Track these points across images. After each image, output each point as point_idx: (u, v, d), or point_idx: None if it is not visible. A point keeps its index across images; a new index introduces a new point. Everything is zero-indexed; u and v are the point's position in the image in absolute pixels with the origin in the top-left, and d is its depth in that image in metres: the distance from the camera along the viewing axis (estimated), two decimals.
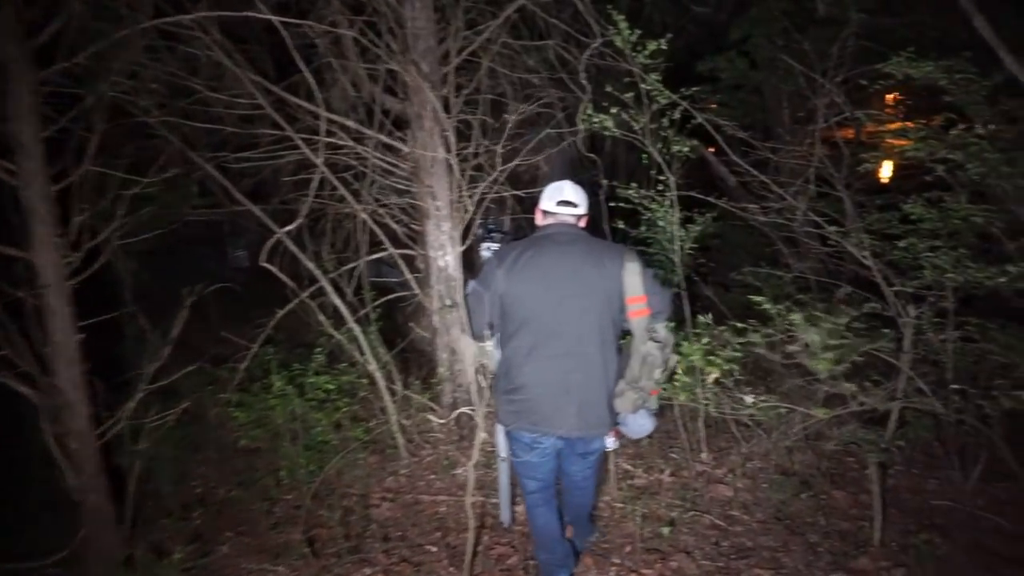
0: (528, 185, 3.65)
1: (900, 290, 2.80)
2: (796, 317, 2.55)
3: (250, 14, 2.63)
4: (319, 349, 3.33)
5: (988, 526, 2.69)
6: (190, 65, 3.15)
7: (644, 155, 3.18)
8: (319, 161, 3.05)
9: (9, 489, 3.11)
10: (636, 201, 3.21)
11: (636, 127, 3.09)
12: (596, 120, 3.17)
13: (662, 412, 2.83)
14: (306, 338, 3.82)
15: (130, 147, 3.11)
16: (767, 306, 2.70)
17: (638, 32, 2.98)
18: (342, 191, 3.24)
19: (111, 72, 2.68)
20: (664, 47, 2.98)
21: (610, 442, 2.23)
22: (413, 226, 3.59)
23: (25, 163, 2.37)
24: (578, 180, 2.27)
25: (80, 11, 2.51)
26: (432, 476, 3.25)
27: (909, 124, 2.92)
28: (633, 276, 2.07)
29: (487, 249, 4.26)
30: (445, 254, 3.40)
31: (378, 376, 3.27)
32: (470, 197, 3.26)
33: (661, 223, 3.18)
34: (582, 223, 2.21)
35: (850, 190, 3.48)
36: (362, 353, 3.29)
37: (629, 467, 3.22)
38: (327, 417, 3.24)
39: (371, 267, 3.81)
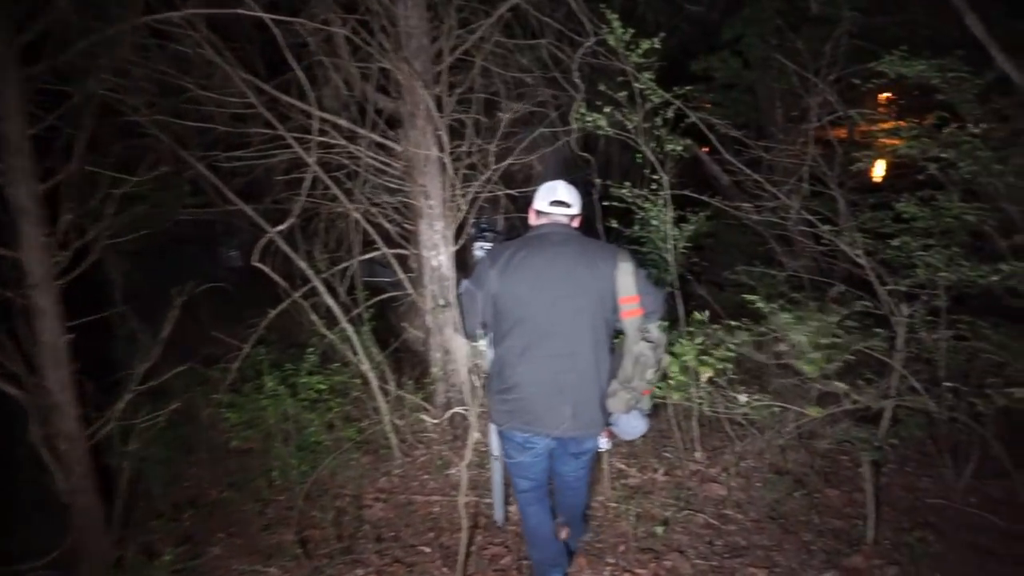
0: (521, 184, 3.65)
1: (893, 288, 2.81)
2: (782, 318, 2.55)
3: (241, 12, 2.62)
4: (312, 349, 3.31)
5: (981, 524, 2.70)
6: (181, 63, 3.12)
7: (638, 154, 3.18)
8: (311, 160, 3.03)
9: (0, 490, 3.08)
10: (630, 200, 3.21)
11: (630, 126, 3.09)
12: (589, 119, 3.17)
13: (656, 411, 2.83)
14: (299, 338, 3.81)
15: (119, 146, 3.08)
16: (760, 305, 2.70)
17: (631, 31, 2.99)
18: (335, 190, 3.23)
19: (100, 70, 2.66)
20: (657, 46, 2.98)
21: (603, 442, 2.22)
22: (406, 225, 3.58)
23: (12, 161, 2.34)
24: (572, 179, 2.26)
25: (67, 8, 2.49)
26: (425, 476, 3.24)
27: (902, 123, 2.92)
28: (626, 276, 2.06)
29: (480, 248, 4.24)
30: (438, 253, 3.39)
31: (371, 376, 3.26)
32: (463, 196, 3.26)
33: (655, 222, 3.19)
34: (575, 223, 2.21)
35: (843, 189, 3.48)
36: (355, 353, 3.28)
37: (623, 466, 3.22)
38: (320, 417, 3.23)
39: (364, 267, 3.81)
